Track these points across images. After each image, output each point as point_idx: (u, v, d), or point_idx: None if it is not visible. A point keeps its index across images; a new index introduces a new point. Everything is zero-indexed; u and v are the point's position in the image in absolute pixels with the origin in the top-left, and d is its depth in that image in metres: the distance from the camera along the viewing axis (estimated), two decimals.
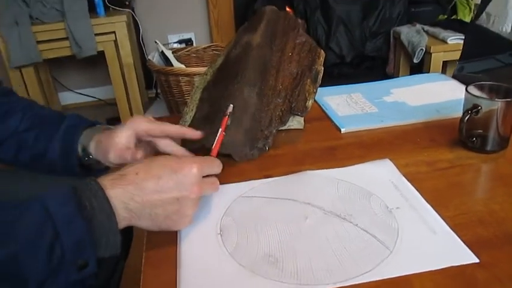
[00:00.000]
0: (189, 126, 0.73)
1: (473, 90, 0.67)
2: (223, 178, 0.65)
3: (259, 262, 0.48)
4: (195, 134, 0.65)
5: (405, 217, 0.54)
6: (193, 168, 0.50)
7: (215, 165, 0.56)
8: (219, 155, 0.67)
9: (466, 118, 0.64)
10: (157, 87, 2.51)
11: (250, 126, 0.71)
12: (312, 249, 0.50)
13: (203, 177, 0.52)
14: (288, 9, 2.14)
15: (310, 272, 0.47)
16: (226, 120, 0.67)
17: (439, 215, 0.54)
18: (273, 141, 0.73)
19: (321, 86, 0.81)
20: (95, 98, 2.59)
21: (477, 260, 0.47)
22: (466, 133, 0.66)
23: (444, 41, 1.80)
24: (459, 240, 0.50)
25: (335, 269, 0.47)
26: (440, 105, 0.84)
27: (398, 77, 2.02)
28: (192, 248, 0.51)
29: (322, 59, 0.80)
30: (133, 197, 0.47)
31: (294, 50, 0.80)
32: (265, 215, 0.56)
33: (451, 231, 0.51)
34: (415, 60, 1.80)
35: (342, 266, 0.47)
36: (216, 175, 0.56)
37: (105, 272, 0.72)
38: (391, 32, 2.04)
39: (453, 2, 2.15)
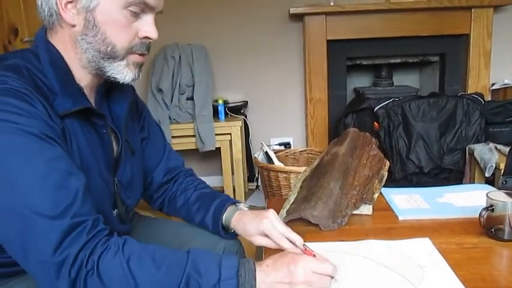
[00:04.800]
0: (292, 204, 1.10)
1: (493, 195, 0.96)
2: (313, 239, 0.99)
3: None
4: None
5: (430, 271, 0.83)
6: (300, 262, 0.75)
7: (325, 265, 0.76)
8: (312, 224, 1.02)
9: (483, 213, 0.93)
10: (258, 180, 2.95)
11: (333, 207, 1.06)
12: (365, 281, 0.81)
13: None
14: (375, 123, 2.52)
15: None
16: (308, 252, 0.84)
17: (454, 272, 0.82)
18: (348, 220, 1.06)
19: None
20: None
21: None
22: (486, 225, 0.94)
23: None
24: (463, 286, 0.77)
25: None
26: (479, 207, 1.11)
27: None
28: None
29: (387, 167, 1.14)
30: (263, 280, 0.73)
31: (368, 159, 1.16)
32: (338, 261, 0.88)
33: (460, 282, 0.79)
34: (486, 175, 2.03)
35: None
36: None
37: None
38: (467, 149, 2.30)
39: None
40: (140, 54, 0.84)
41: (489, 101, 2.64)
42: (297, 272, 0.73)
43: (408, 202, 1.19)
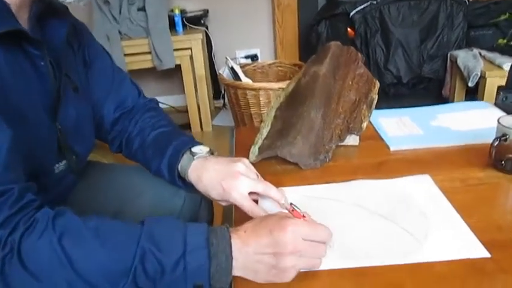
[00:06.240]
0: (265, 138, 0.92)
1: (505, 120, 0.81)
2: (292, 181, 0.83)
3: None
4: (286, 205, 0.69)
5: (436, 220, 0.69)
6: (288, 227, 0.56)
7: (319, 230, 0.59)
8: (290, 163, 0.86)
9: (496, 144, 0.78)
10: (225, 98, 2.74)
11: (314, 141, 0.89)
12: (358, 238, 0.66)
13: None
14: (350, 30, 2.29)
15: (356, 254, 0.63)
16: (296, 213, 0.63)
17: (464, 220, 0.68)
18: (332, 155, 0.90)
19: (376, 105, 0.97)
20: (168, 105, 2.87)
21: (489, 255, 0.61)
22: (496, 156, 0.80)
23: (500, 67, 1.87)
24: (477, 240, 0.64)
25: (375, 254, 0.63)
26: (480, 131, 0.97)
27: (453, 99, 2.11)
28: None
29: (377, 89, 0.95)
30: (240, 249, 0.57)
31: (354, 79, 0.97)
32: (323, 212, 0.73)
33: (471, 233, 0.65)
34: (470, 84, 1.89)
35: (381, 251, 0.63)
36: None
37: None
38: (448, 55, 2.13)
39: None
40: None
41: (472, 1, 2.42)
42: (284, 239, 0.56)
43: (398, 127, 1.03)
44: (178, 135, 0.84)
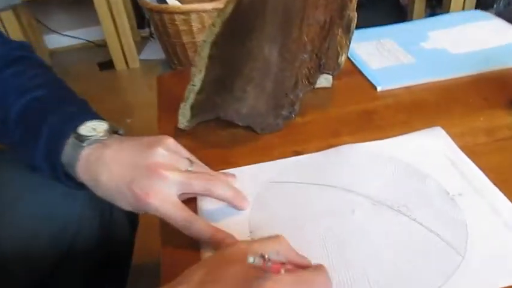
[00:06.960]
0: (199, 91, 0.62)
1: None
2: (246, 156, 0.55)
3: None
4: (243, 205, 0.47)
5: (472, 207, 0.45)
6: None
7: (313, 283, 0.34)
8: (240, 126, 0.58)
9: None
10: (150, 26, 2.33)
11: (273, 90, 0.60)
12: (364, 254, 0.41)
13: None
14: None
15: (364, 284, 0.38)
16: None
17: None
18: (300, 107, 0.62)
19: None
20: (84, 40, 2.40)
21: None
22: None
23: None
24: None
25: (395, 282, 0.38)
26: (489, 52, 0.72)
27: (413, 7, 1.85)
28: None
29: (354, 3, 0.66)
30: None
31: None
32: (303, 208, 0.47)
33: None
34: None
35: (403, 277, 0.39)
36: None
37: None
38: None
39: None
40: None
41: None
42: None
43: (381, 54, 0.76)
44: (59, 103, 0.52)
